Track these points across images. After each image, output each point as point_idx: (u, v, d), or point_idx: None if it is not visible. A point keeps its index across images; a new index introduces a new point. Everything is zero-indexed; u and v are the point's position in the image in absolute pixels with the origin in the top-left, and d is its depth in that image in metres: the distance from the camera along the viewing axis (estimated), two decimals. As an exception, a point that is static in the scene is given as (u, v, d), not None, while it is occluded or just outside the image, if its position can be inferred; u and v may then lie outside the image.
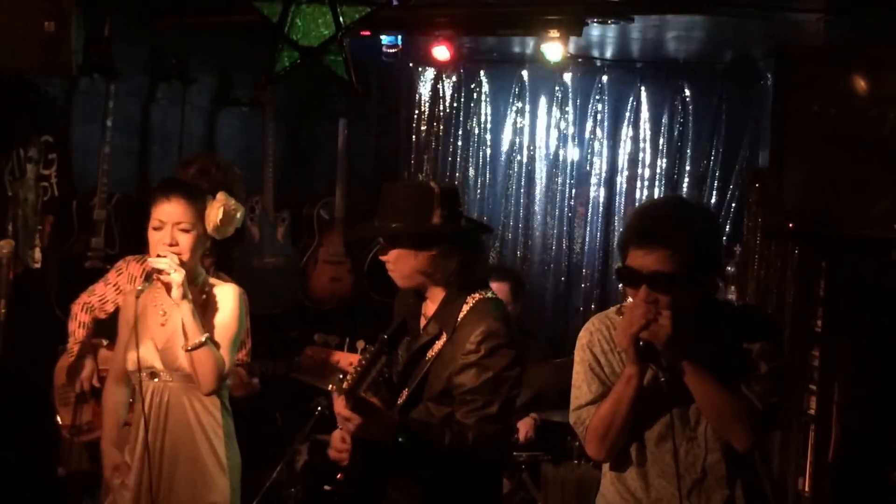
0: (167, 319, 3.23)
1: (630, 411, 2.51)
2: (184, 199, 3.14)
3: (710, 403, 2.47)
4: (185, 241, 3.13)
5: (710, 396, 2.46)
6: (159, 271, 3.07)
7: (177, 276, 3.06)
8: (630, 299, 2.53)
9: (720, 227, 2.68)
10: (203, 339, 3.10)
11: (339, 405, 2.57)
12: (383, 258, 2.82)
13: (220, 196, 3.21)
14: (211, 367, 3.11)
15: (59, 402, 3.89)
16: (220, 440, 3.22)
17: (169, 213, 3.13)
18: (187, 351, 3.10)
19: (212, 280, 3.31)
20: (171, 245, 3.11)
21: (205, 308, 3.21)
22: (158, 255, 3.09)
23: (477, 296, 2.79)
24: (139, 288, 3.20)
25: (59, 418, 3.90)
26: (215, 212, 3.16)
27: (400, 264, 2.79)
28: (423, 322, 2.87)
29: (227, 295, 3.26)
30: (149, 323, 3.26)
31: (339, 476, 2.82)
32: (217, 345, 3.18)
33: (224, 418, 3.27)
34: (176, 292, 3.07)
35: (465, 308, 2.77)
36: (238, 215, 3.24)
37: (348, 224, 5.68)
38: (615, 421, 2.52)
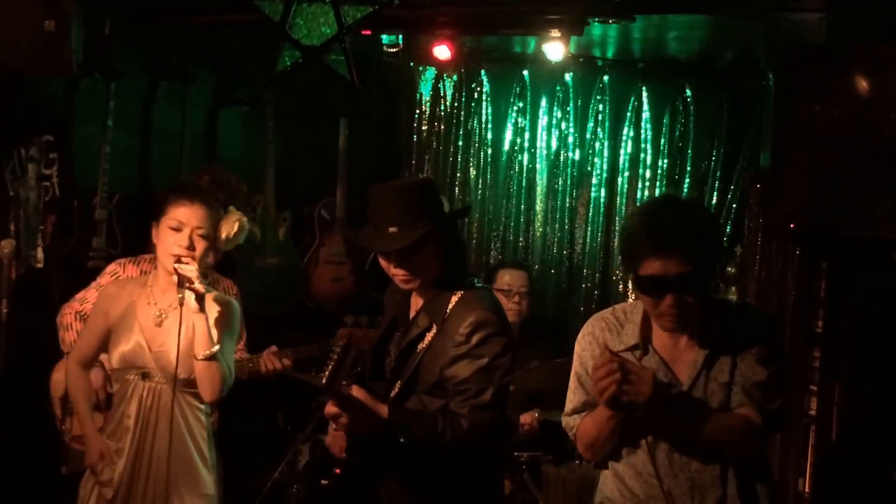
0: (162, 320, 3.22)
1: (612, 437, 2.54)
2: (205, 205, 3.18)
3: (706, 440, 2.47)
4: (201, 246, 3.15)
5: (704, 436, 2.46)
6: (189, 279, 3.06)
7: (201, 287, 3.08)
8: (632, 298, 2.53)
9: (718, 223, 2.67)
10: (215, 350, 3.12)
11: (328, 406, 2.58)
12: (397, 270, 2.76)
13: (235, 211, 3.29)
14: (220, 377, 3.15)
15: (65, 412, 3.83)
16: (205, 440, 3.29)
17: (189, 216, 3.14)
18: (199, 360, 3.12)
19: (210, 289, 3.31)
20: (188, 248, 3.12)
21: (208, 315, 3.20)
22: (180, 261, 3.08)
23: (465, 286, 2.79)
24: (179, 296, 3.09)
25: (68, 429, 3.82)
26: (230, 225, 3.22)
27: (419, 271, 2.76)
28: (412, 315, 2.86)
29: (230, 308, 3.30)
30: (140, 321, 3.23)
31: (336, 471, 2.83)
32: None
33: (207, 419, 3.33)
34: (200, 303, 3.08)
35: (454, 299, 2.76)
36: (246, 231, 3.32)
37: (349, 224, 5.68)
38: (599, 439, 2.56)
